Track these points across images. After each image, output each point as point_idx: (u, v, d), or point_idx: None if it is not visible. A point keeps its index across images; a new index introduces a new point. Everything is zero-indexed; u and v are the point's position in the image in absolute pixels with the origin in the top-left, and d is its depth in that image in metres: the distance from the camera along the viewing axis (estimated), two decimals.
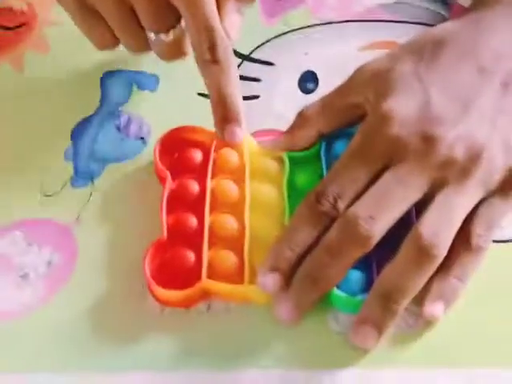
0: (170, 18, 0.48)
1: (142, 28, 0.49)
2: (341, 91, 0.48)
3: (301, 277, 0.42)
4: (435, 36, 0.47)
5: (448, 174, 0.43)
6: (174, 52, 0.49)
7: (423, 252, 0.41)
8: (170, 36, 0.48)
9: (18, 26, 0.57)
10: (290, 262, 0.43)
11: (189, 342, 0.43)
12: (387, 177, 0.43)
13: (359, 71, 0.48)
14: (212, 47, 0.46)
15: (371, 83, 0.46)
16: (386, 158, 0.44)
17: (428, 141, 0.43)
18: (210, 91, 0.47)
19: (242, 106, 0.47)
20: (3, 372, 0.42)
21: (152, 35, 0.49)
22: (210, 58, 0.46)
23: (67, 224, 0.48)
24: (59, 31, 0.56)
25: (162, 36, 0.48)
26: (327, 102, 0.48)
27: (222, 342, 0.43)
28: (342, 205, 0.43)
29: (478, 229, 0.43)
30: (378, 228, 0.42)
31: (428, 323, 0.43)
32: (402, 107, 0.44)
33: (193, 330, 0.43)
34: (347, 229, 0.42)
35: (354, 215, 0.42)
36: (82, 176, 0.50)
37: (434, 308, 0.42)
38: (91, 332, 0.44)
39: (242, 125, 0.47)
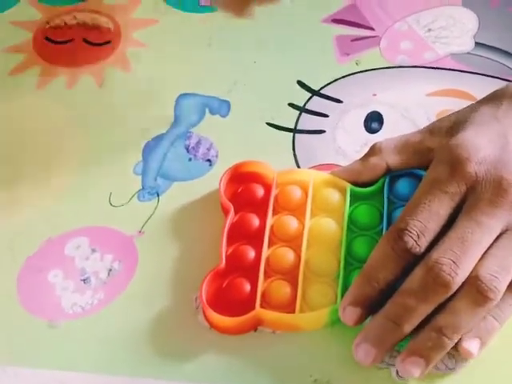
0: None
1: None
2: (419, 134, 0.49)
3: (383, 320, 0.43)
4: None
5: None
6: None
7: (481, 294, 0.42)
8: None
9: (103, 43, 0.60)
10: (371, 298, 0.44)
11: (234, 360, 0.45)
12: (464, 219, 0.44)
13: (441, 119, 0.49)
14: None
15: (449, 130, 0.47)
16: (464, 194, 0.44)
17: (502, 183, 0.44)
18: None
19: None
20: (56, 369, 0.45)
21: None
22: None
23: (130, 235, 0.50)
24: (141, 52, 0.59)
25: None
26: (404, 140, 0.49)
27: (266, 364, 0.44)
28: (424, 241, 0.44)
29: None
30: (460, 272, 0.42)
31: (465, 367, 0.44)
32: (480, 143, 0.45)
33: (239, 348, 0.45)
34: (431, 274, 0.42)
35: (437, 261, 0.42)
36: (149, 191, 0.52)
37: (470, 344, 0.43)
38: (142, 340, 0.45)
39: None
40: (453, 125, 0.48)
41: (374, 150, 0.49)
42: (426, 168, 0.47)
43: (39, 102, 0.57)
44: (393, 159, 0.49)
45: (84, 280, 0.48)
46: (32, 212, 0.51)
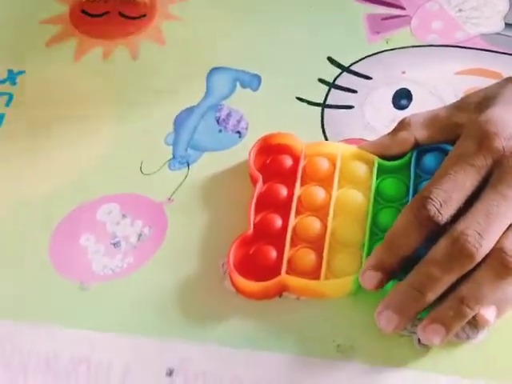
0: None
1: None
2: (448, 109, 0.50)
3: (406, 288, 0.44)
4: None
5: None
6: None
7: (504, 266, 0.43)
8: None
9: (138, 17, 0.61)
10: (392, 263, 0.45)
11: (259, 325, 0.46)
12: (490, 192, 0.44)
13: (469, 95, 0.50)
14: None
15: (477, 106, 0.48)
16: (490, 167, 0.45)
17: None
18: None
19: None
20: (86, 329, 0.46)
21: None
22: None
23: (160, 202, 0.51)
24: (175, 26, 0.60)
25: None
26: (432, 115, 0.50)
27: (290, 328, 0.45)
28: (447, 210, 0.44)
29: None
30: (485, 244, 0.43)
31: (486, 336, 0.45)
32: (509, 120, 0.46)
33: (264, 313, 0.46)
34: (456, 245, 0.43)
35: (462, 232, 0.43)
36: (180, 160, 0.53)
37: (486, 311, 0.44)
38: (170, 303, 0.47)
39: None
40: (481, 100, 0.48)
41: (402, 125, 0.50)
42: (453, 143, 0.48)
43: (75, 72, 0.58)
44: (421, 134, 0.49)
45: (114, 244, 0.49)
46: (66, 178, 0.52)
